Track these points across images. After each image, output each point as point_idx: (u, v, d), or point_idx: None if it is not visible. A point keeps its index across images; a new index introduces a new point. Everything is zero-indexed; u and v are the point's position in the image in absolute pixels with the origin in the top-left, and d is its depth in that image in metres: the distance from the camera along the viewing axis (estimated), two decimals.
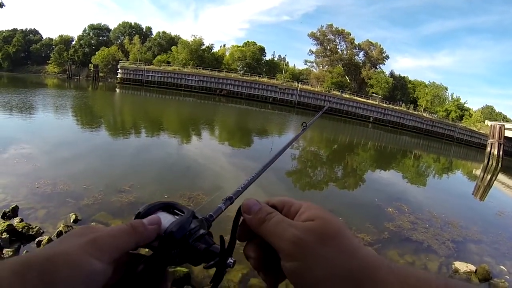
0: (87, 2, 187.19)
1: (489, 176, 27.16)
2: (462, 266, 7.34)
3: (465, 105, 72.91)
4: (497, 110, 77.36)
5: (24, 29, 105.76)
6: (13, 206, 7.57)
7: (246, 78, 64.20)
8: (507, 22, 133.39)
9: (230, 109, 45.20)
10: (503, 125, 41.29)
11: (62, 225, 6.98)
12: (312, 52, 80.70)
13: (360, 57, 78.31)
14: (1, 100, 30.12)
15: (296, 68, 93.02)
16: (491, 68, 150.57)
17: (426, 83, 76.51)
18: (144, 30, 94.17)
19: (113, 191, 9.30)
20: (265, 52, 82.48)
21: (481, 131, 56.69)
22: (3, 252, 5.74)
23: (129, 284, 0.54)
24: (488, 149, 38.97)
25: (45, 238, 6.21)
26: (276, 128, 31.66)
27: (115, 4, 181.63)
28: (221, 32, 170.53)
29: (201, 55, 73.34)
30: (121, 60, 74.95)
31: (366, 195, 13.29)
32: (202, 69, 66.01)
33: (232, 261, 0.57)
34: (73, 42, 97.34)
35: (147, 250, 0.59)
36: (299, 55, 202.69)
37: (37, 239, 6.38)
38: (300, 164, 17.79)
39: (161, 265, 0.55)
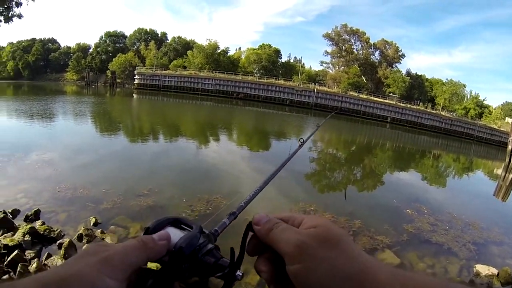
0: (103, 10, 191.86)
1: (511, 176, 26.32)
2: (483, 269, 7.13)
3: (485, 102, 71.04)
4: None
5: (42, 39, 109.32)
6: (35, 209, 7.82)
7: (263, 80, 64.38)
8: None
9: (248, 112, 45.34)
10: None
11: (82, 228, 7.12)
12: (328, 53, 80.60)
13: (376, 57, 77.78)
14: (23, 107, 31.22)
15: (312, 69, 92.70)
16: (510, 62, 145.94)
17: (444, 81, 75.14)
18: (159, 35, 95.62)
19: (132, 195, 9.47)
20: (281, 54, 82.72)
21: (501, 129, 55.26)
22: (25, 253, 5.88)
23: None
24: (510, 147, 37.63)
25: (66, 240, 6.33)
26: (294, 131, 31.58)
27: (130, 11, 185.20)
28: (236, 35, 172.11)
29: (217, 59, 74.03)
30: (137, 66, 76.46)
31: (384, 197, 13.18)
32: (218, 72, 66.60)
33: (240, 274, 0.61)
34: (91, 50, 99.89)
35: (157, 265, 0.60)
36: (314, 56, 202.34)
37: (58, 242, 6.53)
38: (318, 166, 17.77)
39: (170, 279, 0.57)
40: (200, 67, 70.77)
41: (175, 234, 0.61)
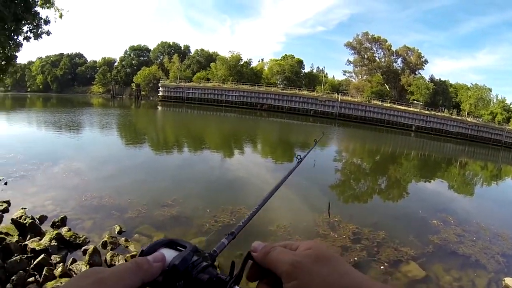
0: (127, 25, 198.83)
1: None
2: None
3: None
4: None
5: (70, 53, 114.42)
6: (62, 216, 8.10)
7: (286, 91, 64.61)
8: None
9: (272, 123, 45.48)
10: None
11: (107, 236, 7.27)
12: (350, 62, 80.00)
13: (398, 64, 76.56)
14: (52, 119, 32.59)
15: (335, 79, 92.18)
16: None
17: (468, 86, 72.40)
18: (182, 48, 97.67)
19: (156, 205, 9.64)
20: (304, 65, 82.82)
21: None
22: (51, 258, 6.04)
23: None
24: None
25: (90, 247, 6.47)
26: (318, 142, 31.23)
27: (153, 25, 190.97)
28: (258, 46, 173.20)
29: (240, 71, 74.77)
30: (161, 78, 78.38)
31: (409, 207, 12.97)
32: (242, 84, 67.24)
33: None
34: (116, 63, 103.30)
35: None
36: (337, 66, 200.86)
37: (83, 248, 6.70)
38: (342, 177, 17.75)
39: None
40: (224, 79, 71.70)
41: (169, 255, 0.62)
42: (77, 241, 6.94)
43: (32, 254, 6.12)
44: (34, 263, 5.75)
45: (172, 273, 0.59)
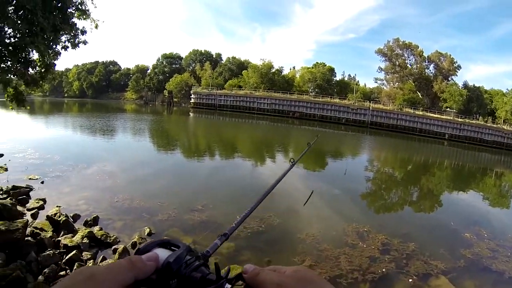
0: (160, 34, 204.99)
1: None
2: None
3: None
4: None
5: (105, 61, 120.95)
6: (94, 216, 8.38)
7: (318, 99, 64.25)
8: None
9: (304, 131, 45.23)
10: None
11: (136, 237, 7.44)
12: (381, 69, 79.01)
13: (430, 70, 74.57)
14: (87, 123, 33.98)
15: (366, 87, 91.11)
16: None
17: (504, 92, 68.38)
18: (214, 56, 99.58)
19: (186, 209, 9.76)
20: (335, 73, 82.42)
21: None
22: (82, 254, 6.25)
23: None
24: None
25: (120, 247, 6.63)
26: (350, 150, 31.06)
27: (185, 34, 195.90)
28: (289, 54, 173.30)
29: (272, 78, 75.24)
30: (193, 85, 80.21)
31: (441, 218, 12.53)
32: (274, 92, 67.45)
33: (229, 286, 0.65)
34: (149, 71, 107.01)
35: None
36: (368, 73, 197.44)
37: (113, 247, 6.90)
38: (374, 186, 17.39)
39: None
40: (255, 87, 72.32)
41: (163, 254, 0.65)
42: (108, 240, 7.13)
43: (65, 250, 6.39)
44: (66, 258, 6.00)
45: (165, 272, 0.62)
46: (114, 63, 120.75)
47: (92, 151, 18.95)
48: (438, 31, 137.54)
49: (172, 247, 0.69)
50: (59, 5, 8.00)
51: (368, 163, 25.32)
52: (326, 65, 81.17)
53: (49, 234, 6.95)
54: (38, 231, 6.87)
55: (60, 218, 7.56)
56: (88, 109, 66.67)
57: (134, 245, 7.10)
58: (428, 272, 7.40)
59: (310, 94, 73.00)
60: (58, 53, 8.91)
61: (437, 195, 17.03)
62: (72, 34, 8.78)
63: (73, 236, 6.94)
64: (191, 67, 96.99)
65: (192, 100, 72.24)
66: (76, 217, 8.32)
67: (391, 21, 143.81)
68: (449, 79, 71.70)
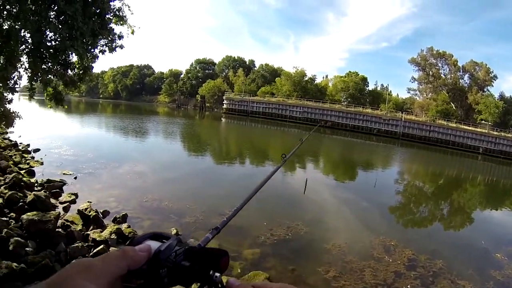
0: (194, 40, 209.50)
1: None
2: None
3: None
4: None
5: (139, 65, 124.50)
6: (123, 213, 8.58)
7: (350, 109, 63.58)
8: None
9: (335, 141, 44.81)
10: None
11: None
12: (414, 79, 77.11)
13: (465, 81, 71.99)
14: (121, 124, 35.05)
15: (399, 97, 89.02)
16: None
17: None
18: (247, 63, 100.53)
19: (214, 213, 9.83)
20: (368, 82, 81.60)
21: None
22: (110, 249, 6.41)
23: None
24: None
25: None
26: (380, 162, 30.38)
27: (219, 40, 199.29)
28: (322, 62, 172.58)
29: (304, 87, 75.25)
30: (226, 91, 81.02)
31: (471, 236, 12.07)
32: (306, 100, 67.20)
33: (218, 275, 0.65)
34: (182, 75, 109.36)
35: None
36: (401, 83, 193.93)
37: None
38: (403, 199, 17.04)
39: None
40: (288, 94, 72.38)
41: (154, 245, 0.67)
42: None
43: (93, 244, 6.59)
44: (94, 251, 6.18)
45: (155, 261, 0.64)
46: (148, 67, 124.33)
47: (124, 151, 19.53)
48: (473, 39, 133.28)
49: (164, 240, 0.70)
50: (98, 11, 8.34)
51: (399, 175, 24.73)
52: (359, 74, 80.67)
53: (79, 227, 7.20)
54: (68, 223, 7.12)
55: (90, 213, 7.82)
56: (121, 110, 68.92)
57: None
58: None
59: (343, 103, 72.35)
60: (96, 56, 9.27)
61: (468, 212, 16.43)
62: (110, 38, 9.12)
63: (101, 231, 7.13)
64: (224, 73, 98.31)
65: (225, 106, 72.96)
66: (105, 213, 8.58)
67: (425, 29, 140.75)
68: (485, 90, 68.84)
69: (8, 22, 7.27)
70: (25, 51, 7.81)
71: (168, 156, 19.95)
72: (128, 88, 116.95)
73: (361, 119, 60.18)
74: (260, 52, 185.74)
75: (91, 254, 6.07)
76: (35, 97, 8.98)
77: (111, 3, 8.70)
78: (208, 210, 10.03)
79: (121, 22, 9.34)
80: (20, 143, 16.58)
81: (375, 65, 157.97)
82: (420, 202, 17.07)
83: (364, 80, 79.90)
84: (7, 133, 18.25)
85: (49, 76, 8.51)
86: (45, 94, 9.38)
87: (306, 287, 6.69)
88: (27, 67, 8.03)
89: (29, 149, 15.91)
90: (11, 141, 16.54)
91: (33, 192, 8.28)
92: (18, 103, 12.78)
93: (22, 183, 9.15)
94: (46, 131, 22.47)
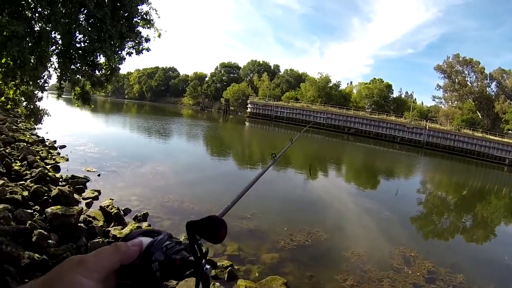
0: (219, 43, 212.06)
1: None
2: None
3: None
4: None
5: (164, 67, 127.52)
6: (144, 212, 8.72)
7: (374, 116, 62.65)
8: None
9: (358, 148, 44.24)
10: None
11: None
12: (440, 86, 75.34)
13: (492, 89, 69.92)
14: (145, 124, 35.76)
15: (424, 105, 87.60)
16: None
17: None
18: (272, 67, 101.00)
19: (235, 217, 9.80)
20: (392, 89, 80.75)
21: None
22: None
23: None
24: None
25: None
26: (403, 170, 29.82)
27: (243, 45, 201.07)
28: (347, 68, 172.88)
29: (329, 93, 75.02)
30: (250, 95, 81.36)
31: (495, 251, 11.60)
32: (330, 106, 66.79)
33: (208, 267, 0.67)
34: (206, 78, 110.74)
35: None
36: (426, 91, 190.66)
37: None
38: (425, 209, 16.67)
39: (145, 285, 0.66)
40: (312, 100, 72.18)
41: (146, 241, 0.69)
42: None
43: (113, 240, 6.68)
44: None
45: (146, 255, 0.65)
46: (173, 69, 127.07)
47: (147, 151, 19.86)
48: (501, 45, 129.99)
49: (155, 235, 0.72)
50: (126, 14, 8.58)
51: (421, 185, 24.20)
52: (383, 81, 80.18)
53: (101, 223, 7.36)
54: (90, 219, 7.29)
55: (112, 210, 7.98)
56: (146, 111, 70.21)
57: None
58: None
59: (367, 110, 71.57)
60: (123, 58, 9.51)
61: (491, 226, 15.86)
62: (137, 41, 9.36)
63: (122, 228, 7.27)
64: (248, 77, 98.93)
65: (249, 110, 73.20)
66: (127, 211, 8.74)
67: (451, 35, 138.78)
68: None
69: (40, 24, 7.60)
70: (55, 52, 8.19)
71: (190, 158, 20.16)
72: (153, 89, 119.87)
73: (385, 127, 59.27)
74: (285, 57, 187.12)
75: None
76: (63, 96, 9.27)
77: (138, 7, 8.93)
78: (228, 213, 9.98)
79: (148, 26, 9.54)
80: (47, 139, 17.17)
81: (400, 72, 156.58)
82: (442, 213, 16.66)
83: (389, 87, 79.26)
84: (35, 129, 19.01)
85: (77, 76, 8.78)
86: (73, 93, 9.69)
87: None
88: (56, 67, 8.40)
89: (56, 145, 16.46)
90: (38, 137, 17.17)
91: (58, 187, 8.57)
92: (47, 101, 13.20)
93: (48, 178, 9.47)
94: (72, 129, 23.19)
